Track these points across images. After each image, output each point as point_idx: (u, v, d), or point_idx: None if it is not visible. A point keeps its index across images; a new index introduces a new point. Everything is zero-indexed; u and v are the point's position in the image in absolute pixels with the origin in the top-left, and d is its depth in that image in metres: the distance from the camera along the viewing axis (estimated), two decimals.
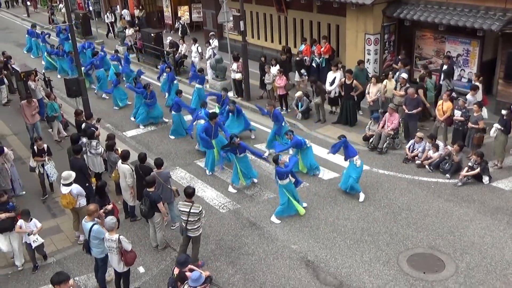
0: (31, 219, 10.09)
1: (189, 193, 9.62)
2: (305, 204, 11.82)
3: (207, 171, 13.78)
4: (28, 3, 41.04)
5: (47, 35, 27.69)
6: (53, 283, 7.65)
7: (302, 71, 18.07)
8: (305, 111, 16.71)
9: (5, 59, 21.82)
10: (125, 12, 31.78)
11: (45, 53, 25.34)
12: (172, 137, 16.20)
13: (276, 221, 11.38)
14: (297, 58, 18.43)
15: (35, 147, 12.66)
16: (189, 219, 9.50)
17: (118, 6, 34.91)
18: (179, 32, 27.78)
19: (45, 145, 12.75)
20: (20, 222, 9.98)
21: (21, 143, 16.56)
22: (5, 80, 20.74)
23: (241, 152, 12.43)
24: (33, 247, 10.15)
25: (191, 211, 9.47)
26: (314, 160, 13.31)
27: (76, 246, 11.00)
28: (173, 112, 16.01)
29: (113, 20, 30.88)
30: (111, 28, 31.43)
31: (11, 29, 36.42)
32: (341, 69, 16.75)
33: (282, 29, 22.26)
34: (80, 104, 16.39)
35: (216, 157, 13.67)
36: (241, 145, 12.36)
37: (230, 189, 12.83)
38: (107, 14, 31.51)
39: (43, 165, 12.70)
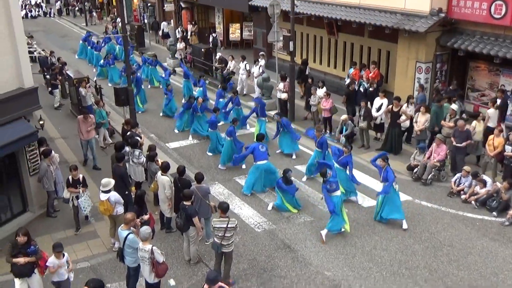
0: (64, 255, 9.14)
1: (225, 208, 9.58)
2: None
3: (245, 191, 13.68)
4: (94, 14, 42.58)
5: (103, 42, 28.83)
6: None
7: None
8: (349, 135, 16.45)
9: (60, 65, 22.63)
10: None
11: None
12: (210, 154, 16.23)
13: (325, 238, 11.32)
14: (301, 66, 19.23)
15: (69, 177, 11.86)
16: (225, 234, 9.43)
17: (172, 21, 35.75)
18: (211, 44, 28.80)
19: (80, 175, 11.98)
20: (52, 261, 8.96)
21: (68, 147, 17.01)
22: (59, 85, 21.50)
23: (290, 191, 12.35)
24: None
25: (229, 226, 9.40)
26: (351, 184, 13.05)
27: (110, 253, 11.09)
28: (210, 130, 16.13)
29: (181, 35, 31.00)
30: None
31: (69, 37, 37.88)
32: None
33: (332, 52, 22.17)
34: (127, 113, 16.73)
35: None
36: (292, 185, 12.33)
37: (269, 207, 12.82)
38: (178, 29, 32.28)
39: (77, 197, 11.82)
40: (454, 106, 15.01)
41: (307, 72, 21.09)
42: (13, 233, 11.80)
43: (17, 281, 9.14)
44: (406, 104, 15.63)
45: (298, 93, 19.39)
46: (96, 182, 13.44)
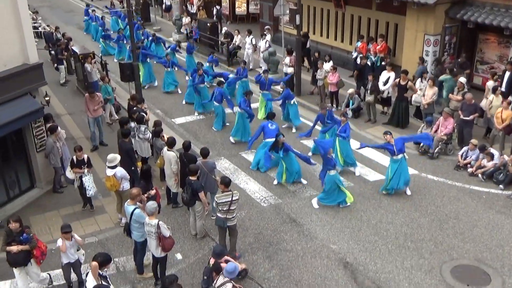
0: (72, 237, 8.95)
1: (227, 182, 9.61)
2: (304, 181, 12.71)
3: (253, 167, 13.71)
4: None
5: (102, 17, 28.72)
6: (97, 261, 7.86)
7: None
8: (356, 109, 16.35)
9: (66, 41, 22.54)
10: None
11: (101, 39, 26.03)
12: (215, 128, 16.25)
13: (315, 206, 11.68)
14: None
15: (74, 158, 11.67)
16: (230, 208, 9.48)
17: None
18: (214, 17, 28.82)
19: (85, 156, 11.72)
20: (61, 241, 8.85)
21: (74, 123, 17.06)
22: (64, 61, 21.45)
23: (284, 152, 12.29)
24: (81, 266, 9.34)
25: (233, 199, 9.45)
26: (351, 155, 13.06)
27: (118, 228, 11.20)
28: (215, 103, 16.06)
29: (194, 12, 30.35)
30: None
31: (75, 12, 37.59)
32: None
33: (339, 25, 21.88)
34: (133, 88, 16.70)
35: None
36: (285, 146, 12.22)
37: (275, 182, 12.80)
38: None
39: (81, 178, 11.61)
40: (462, 79, 14.82)
41: (308, 46, 20.87)
42: (21, 209, 12.05)
43: (15, 271, 8.97)
44: (420, 79, 15.36)
45: (306, 68, 19.19)
46: (103, 158, 13.52)
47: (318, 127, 14.10)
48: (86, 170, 11.57)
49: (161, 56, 21.16)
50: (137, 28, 25.32)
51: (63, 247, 8.86)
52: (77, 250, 9.23)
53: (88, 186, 11.61)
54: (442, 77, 15.16)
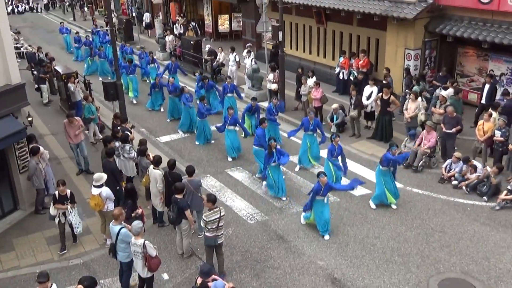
0: (52, 285, 7.93)
1: (213, 199, 9.56)
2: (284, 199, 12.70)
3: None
4: (86, 9, 42.10)
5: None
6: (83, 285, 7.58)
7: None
8: (340, 124, 16.47)
9: (48, 61, 22.43)
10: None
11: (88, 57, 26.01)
12: (198, 143, 16.30)
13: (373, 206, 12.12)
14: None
15: (56, 193, 10.97)
16: (219, 224, 9.44)
17: (160, 13, 35.52)
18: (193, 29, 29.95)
19: (68, 191, 11.03)
20: None
21: (58, 143, 16.89)
22: (47, 81, 21.29)
23: (275, 159, 12.29)
24: None
25: (221, 215, 9.43)
26: (339, 172, 13.19)
27: (103, 249, 11.06)
28: (198, 119, 16.15)
29: (182, 32, 30.64)
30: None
31: (57, 32, 37.30)
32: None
33: (321, 41, 22.11)
34: (117, 107, 16.62)
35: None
36: (278, 150, 12.30)
37: (263, 187, 13.03)
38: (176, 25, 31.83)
39: (64, 214, 10.94)
40: (444, 93, 15.04)
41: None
42: (4, 232, 11.85)
43: None
44: (420, 98, 15.19)
45: (290, 84, 19.32)
46: (89, 181, 13.38)
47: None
48: (69, 207, 10.92)
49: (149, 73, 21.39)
50: (121, 48, 25.39)
51: None
52: None
53: (75, 223, 11.05)
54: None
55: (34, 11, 52.45)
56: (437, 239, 10.87)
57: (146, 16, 34.34)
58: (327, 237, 11.08)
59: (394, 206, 12.05)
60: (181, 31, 30.13)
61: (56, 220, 11.04)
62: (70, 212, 10.94)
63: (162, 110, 19.62)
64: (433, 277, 9.71)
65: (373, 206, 12.15)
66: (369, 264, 10.18)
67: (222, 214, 9.44)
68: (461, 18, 16.36)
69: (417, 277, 9.74)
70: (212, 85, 19.00)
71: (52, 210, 11.00)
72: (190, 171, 10.99)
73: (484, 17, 15.69)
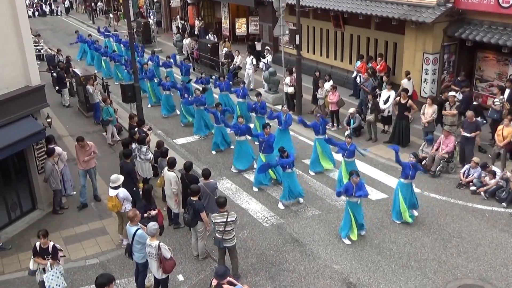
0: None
1: (222, 202, 9.52)
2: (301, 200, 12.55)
3: (254, 187, 13.62)
4: (111, 15, 42.54)
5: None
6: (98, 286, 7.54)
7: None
8: (357, 128, 16.38)
9: (66, 64, 22.71)
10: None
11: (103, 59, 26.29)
12: (213, 152, 16.10)
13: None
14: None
15: (37, 244, 9.32)
16: (226, 229, 9.43)
17: (178, 17, 35.77)
18: (179, 30, 31.00)
19: (50, 243, 9.34)
20: None
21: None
22: (68, 83, 21.54)
23: (288, 165, 12.22)
24: None
25: (228, 220, 9.39)
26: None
27: (119, 249, 11.14)
28: (215, 124, 15.99)
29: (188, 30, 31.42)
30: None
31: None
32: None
33: (338, 45, 22.06)
34: (134, 110, 16.77)
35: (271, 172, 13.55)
36: (290, 156, 12.23)
37: (280, 205, 12.62)
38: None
39: (44, 270, 9.21)
40: (452, 93, 15.03)
41: (258, 49, 22.37)
42: (23, 231, 12.01)
43: None
44: (448, 106, 14.88)
45: (307, 87, 19.30)
46: (105, 180, 13.50)
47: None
48: (49, 263, 9.18)
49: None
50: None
51: None
52: None
53: (49, 286, 9.02)
54: None
55: (54, 14, 53.11)
56: (454, 245, 10.74)
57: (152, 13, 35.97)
58: (363, 232, 11.18)
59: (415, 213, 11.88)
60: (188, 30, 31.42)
61: (37, 278, 9.36)
62: (49, 270, 9.11)
63: (178, 112, 19.70)
64: (450, 283, 9.59)
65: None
66: (385, 269, 10.09)
67: (229, 219, 9.39)
68: (481, 22, 16.18)
69: (434, 283, 9.63)
70: (228, 87, 18.96)
71: (32, 264, 9.40)
72: (206, 174, 11.03)
73: (504, 21, 15.49)
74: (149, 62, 23.22)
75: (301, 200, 12.69)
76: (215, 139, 15.99)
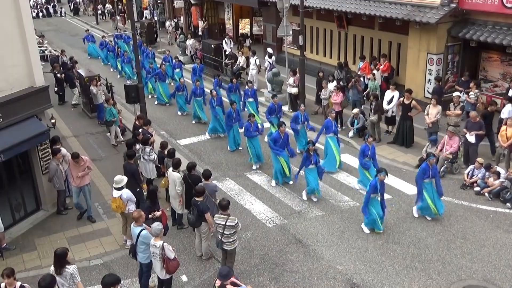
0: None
1: (224, 205, 9.48)
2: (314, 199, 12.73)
3: (273, 182, 13.72)
4: (118, 17, 42.65)
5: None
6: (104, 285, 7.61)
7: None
8: (361, 128, 16.36)
9: (71, 64, 22.77)
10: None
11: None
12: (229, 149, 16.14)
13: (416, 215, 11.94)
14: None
15: (2, 285, 8.14)
16: (224, 232, 9.42)
17: (181, 17, 35.82)
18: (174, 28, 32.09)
19: (18, 284, 8.16)
20: None
21: (80, 145, 17.11)
22: (77, 83, 21.50)
23: (313, 162, 12.41)
24: None
25: (227, 223, 9.37)
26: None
27: (123, 250, 11.15)
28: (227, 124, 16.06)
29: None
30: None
31: (80, 36, 37.89)
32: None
33: (342, 45, 22.03)
34: (138, 110, 16.79)
35: (285, 169, 13.48)
36: (315, 155, 12.42)
37: (303, 195, 12.90)
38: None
39: None
40: (456, 93, 15.00)
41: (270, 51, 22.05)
42: (27, 232, 12.04)
43: None
44: (452, 106, 14.84)
45: (310, 88, 19.27)
46: (108, 180, 13.53)
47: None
48: None
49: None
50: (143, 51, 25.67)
51: None
52: None
53: None
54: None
55: (58, 15, 53.18)
56: (458, 246, 10.72)
57: (146, 13, 36.92)
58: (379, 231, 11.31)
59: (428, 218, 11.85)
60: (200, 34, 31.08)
61: None
62: None
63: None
64: (454, 284, 9.57)
65: (416, 214, 11.90)
66: (389, 270, 10.07)
67: (228, 223, 9.36)
68: (485, 22, 16.14)
69: (437, 284, 9.61)
70: (237, 87, 18.97)
71: None
72: (207, 175, 11.02)
73: (508, 22, 15.45)
74: (164, 63, 23.28)
75: (314, 199, 12.80)
76: (229, 137, 16.14)
